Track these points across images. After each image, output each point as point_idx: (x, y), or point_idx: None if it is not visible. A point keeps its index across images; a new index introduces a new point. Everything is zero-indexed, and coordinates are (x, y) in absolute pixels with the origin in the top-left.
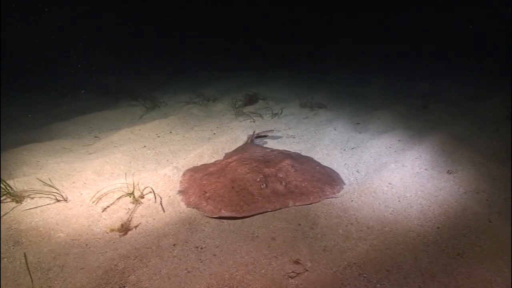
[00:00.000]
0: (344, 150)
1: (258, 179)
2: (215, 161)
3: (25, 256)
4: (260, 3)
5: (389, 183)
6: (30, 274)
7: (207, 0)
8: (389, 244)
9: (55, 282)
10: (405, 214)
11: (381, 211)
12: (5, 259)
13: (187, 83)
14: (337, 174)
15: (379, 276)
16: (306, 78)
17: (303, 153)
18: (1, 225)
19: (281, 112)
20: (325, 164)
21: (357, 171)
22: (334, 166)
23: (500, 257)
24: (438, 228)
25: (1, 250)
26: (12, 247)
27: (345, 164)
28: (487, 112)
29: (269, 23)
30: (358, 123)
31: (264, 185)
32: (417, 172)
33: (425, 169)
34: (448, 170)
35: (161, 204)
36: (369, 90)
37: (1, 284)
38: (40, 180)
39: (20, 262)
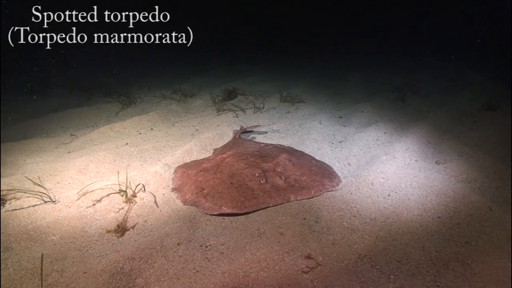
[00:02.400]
0: (333, 143)
1: (257, 174)
2: (208, 157)
3: (41, 257)
4: None
5: (384, 175)
6: (41, 280)
7: None
8: (395, 235)
9: None
10: (404, 205)
11: (380, 202)
12: None
13: (162, 78)
14: (331, 167)
15: (391, 267)
16: (283, 72)
17: (294, 147)
18: None
19: (263, 106)
20: (317, 157)
21: (349, 164)
22: (325, 159)
23: (510, 243)
24: (439, 217)
25: None
26: (3, 252)
27: (336, 157)
28: (464, 104)
29: (246, 15)
30: (340, 117)
31: (264, 180)
32: (408, 164)
33: (415, 161)
34: (437, 161)
35: (155, 202)
36: (347, 84)
37: None
38: (29, 179)
39: (14, 270)
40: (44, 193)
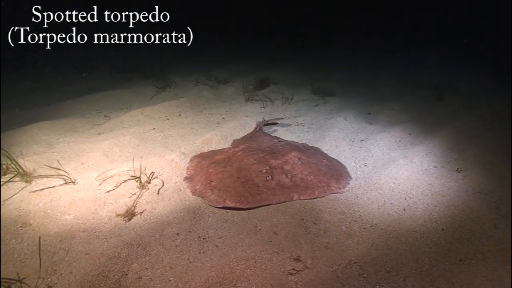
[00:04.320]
0: (353, 142)
1: (264, 171)
2: (223, 149)
3: (39, 239)
4: None
5: (396, 180)
6: (40, 258)
7: None
8: (392, 244)
9: (60, 266)
10: (410, 213)
11: (386, 209)
12: (13, 240)
13: (200, 64)
14: (344, 167)
15: (378, 277)
16: (319, 65)
17: (312, 143)
18: (11, 205)
19: (292, 98)
20: (333, 156)
21: (365, 165)
22: (341, 158)
23: (502, 266)
24: (443, 230)
25: (11, 231)
26: (20, 228)
27: (353, 156)
28: (501, 108)
29: (286, 6)
30: (369, 113)
31: (270, 177)
32: (426, 169)
33: (434, 167)
34: (458, 168)
35: (166, 190)
36: (383, 80)
37: (9, 265)
38: (49, 165)
39: (28, 244)
40: (65, 175)
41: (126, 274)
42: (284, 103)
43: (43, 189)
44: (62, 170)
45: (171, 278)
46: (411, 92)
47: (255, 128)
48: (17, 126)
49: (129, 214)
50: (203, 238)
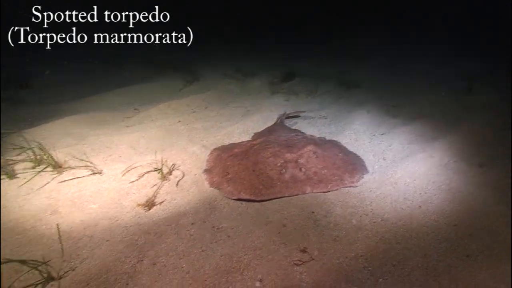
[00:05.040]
0: (374, 135)
1: (279, 164)
2: (241, 142)
3: (57, 227)
4: None
5: (412, 175)
6: (61, 243)
7: None
8: (401, 239)
9: (83, 251)
10: (423, 208)
11: (399, 203)
12: (43, 226)
13: (229, 56)
14: (362, 161)
15: (383, 270)
16: (347, 57)
17: (332, 136)
18: (43, 193)
19: (317, 91)
20: (351, 149)
21: (384, 159)
22: (360, 152)
23: (508, 263)
24: (455, 225)
25: (41, 218)
26: (50, 215)
27: (372, 150)
28: None
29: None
30: (393, 106)
31: (284, 170)
32: (446, 164)
33: (455, 161)
34: (481, 163)
35: (185, 182)
36: (413, 71)
37: (39, 249)
38: (79, 157)
39: (55, 230)
40: (92, 166)
41: (142, 260)
42: (308, 96)
43: (72, 179)
44: (90, 162)
45: (184, 265)
46: (439, 85)
47: (276, 121)
48: (53, 118)
49: (149, 204)
50: (217, 228)
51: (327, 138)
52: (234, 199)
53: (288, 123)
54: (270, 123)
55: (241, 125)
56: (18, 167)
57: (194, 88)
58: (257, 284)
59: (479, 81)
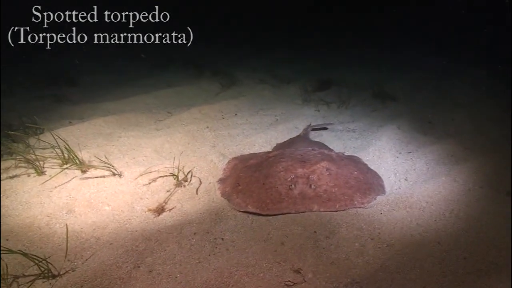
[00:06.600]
0: (400, 153)
1: (289, 179)
2: (258, 153)
3: (66, 227)
4: None
5: (430, 199)
6: (67, 243)
7: None
8: (403, 268)
9: (87, 252)
10: (436, 236)
11: (410, 229)
12: (57, 225)
13: (266, 61)
14: (380, 180)
15: None
16: (388, 67)
17: (356, 152)
18: (64, 191)
19: (350, 102)
20: (373, 167)
21: (405, 179)
22: (381, 170)
23: None
24: (465, 258)
25: (57, 216)
26: (65, 214)
27: (395, 169)
28: None
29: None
30: (430, 122)
31: (293, 185)
32: (469, 190)
33: (480, 187)
34: (509, 192)
35: (197, 190)
36: (458, 82)
37: (48, 247)
38: (106, 157)
39: (64, 230)
40: (114, 167)
41: (139, 267)
42: (340, 107)
43: (93, 178)
44: (113, 164)
45: (178, 275)
46: (484, 100)
47: (300, 134)
48: (88, 118)
49: (159, 209)
50: (218, 240)
51: (352, 153)
52: (241, 211)
53: (313, 134)
54: (294, 134)
55: (265, 135)
56: (47, 164)
57: (230, 93)
58: None
59: None
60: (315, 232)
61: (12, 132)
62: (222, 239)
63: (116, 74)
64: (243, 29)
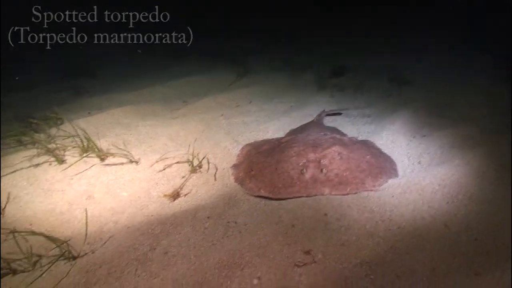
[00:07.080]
0: (414, 137)
1: (301, 164)
2: (271, 139)
3: (86, 212)
4: None
5: (442, 182)
6: (86, 227)
7: None
8: (412, 249)
9: (106, 235)
10: (446, 218)
11: (421, 212)
12: (77, 210)
13: (281, 48)
14: (393, 164)
15: (386, 280)
16: (403, 53)
17: (369, 136)
18: (84, 179)
19: (365, 87)
20: (386, 151)
21: (419, 163)
22: (395, 154)
23: None
24: (476, 239)
25: (77, 202)
26: (86, 199)
27: (408, 153)
28: None
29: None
30: (446, 104)
31: (305, 170)
32: (483, 173)
33: (494, 170)
34: None
35: (212, 176)
36: (472, 70)
37: (69, 231)
38: (124, 146)
39: (83, 215)
40: (132, 155)
41: (155, 249)
42: (356, 92)
43: (111, 166)
44: (131, 151)
45: (192, 257)
46: (501, 84)
47: (313, 119)
48: (106, 109)
49: (175, 195)
50: (231, 224)
51: (365, 137)
52: (254, 196)
53: (327, 120)
54: (308, 120)
55: (278, 122)
56: (68, 153)
57: (245, 81)
58: (255, 281)
59: None
60: (325, 214)
61: (35, 121)
62: (235, 222)
63: (133, 66)
64: (262, 18)
